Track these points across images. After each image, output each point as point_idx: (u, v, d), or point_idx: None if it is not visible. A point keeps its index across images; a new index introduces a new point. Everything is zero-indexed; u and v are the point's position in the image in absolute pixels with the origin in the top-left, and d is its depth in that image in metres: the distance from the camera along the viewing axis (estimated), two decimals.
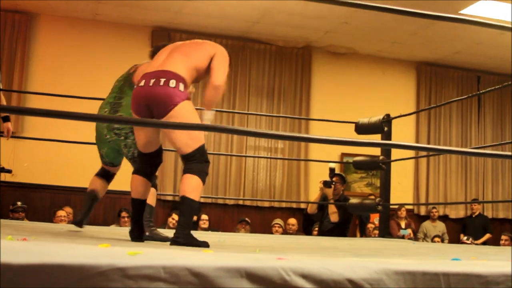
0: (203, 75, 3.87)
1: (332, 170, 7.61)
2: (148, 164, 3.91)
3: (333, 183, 7.56)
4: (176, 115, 3.55)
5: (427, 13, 3.01)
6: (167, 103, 3.58)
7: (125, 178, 4.18)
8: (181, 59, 3.74)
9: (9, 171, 7.52)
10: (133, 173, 3.94)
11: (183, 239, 3.49)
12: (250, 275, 1.69)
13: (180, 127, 3.58)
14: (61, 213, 8.40)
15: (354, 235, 9.86)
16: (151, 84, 3.61)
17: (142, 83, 3.67)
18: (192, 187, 3.60)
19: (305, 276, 1.74)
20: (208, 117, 3.83)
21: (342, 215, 7.54)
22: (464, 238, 9.89)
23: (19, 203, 8.28)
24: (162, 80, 3.60)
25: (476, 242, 9.95)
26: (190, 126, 3.38)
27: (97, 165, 4.65)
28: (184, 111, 3.59)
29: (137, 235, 3.85)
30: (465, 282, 1.91)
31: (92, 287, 1.54)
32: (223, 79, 3.82)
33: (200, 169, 3.65)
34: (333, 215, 7.53)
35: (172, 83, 3.59)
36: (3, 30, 9.65)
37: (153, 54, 4.16)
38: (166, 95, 3.57)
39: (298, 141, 10.56)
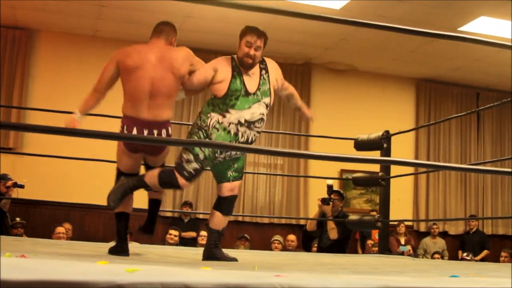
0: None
1: (330, 187, 7.59)
2: None
3: (331, 200, 7.55)
4: (167, 150, 4.24)
5: (426, 31, 3.02)
6: (162, 147, 4.19)
7: None
8: (168, 103, 4.07)
9: (21, 186, 7.55)
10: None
11: None
12: None
13: (183, 144, 3.58)
14: (60, 229, 8.37)
15: (355, 252, 9.84)
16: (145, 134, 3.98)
17: (134, 131, 3.96)
18: None
19: None
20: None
21: (342, 232, 7.53)
22: (464, 254, 9.86)
23: (18, 219, 8.25)
24: (155, 132, 3.99)
25: (475, 258, 9.92)
26: (193, 142, 3.39)
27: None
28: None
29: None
30: None
31: None
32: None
33: None
34: (332, 232, 7.52)
35: (165, 132, 4.04)
36: (3, 46, 9.67)
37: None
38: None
39: (297, 158, 10.55)
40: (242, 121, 4.02)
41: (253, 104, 4.09)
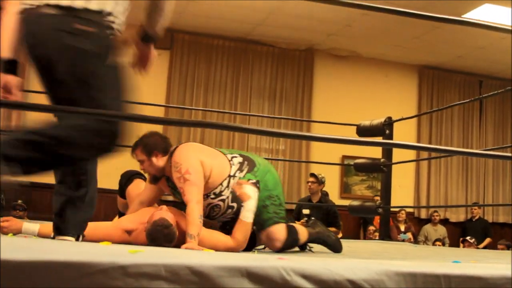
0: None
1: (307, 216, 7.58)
2: None
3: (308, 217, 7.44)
4: None
5: (430, 15, 3.01)
6: None
7: None
8: None
9: None
10: None
11: None
12: (251, 275, 1.68)
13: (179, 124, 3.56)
14: None
15: (357, 237, 9.88)
16: None
17: None
18: None
19: (305, 276, 1.73)
20: None
21: (324, 218, 7.60)
22: (467, 237, 9.81)
23: (19, 201, 8.26)
24: None
25: (478, 246, 9.92)
26: (192, 123, 3.38)
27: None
28: None
29: None
30: (466, 284, 1.91)
31: (93, 284, 1.54)
32: None
33: None
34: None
35: None
36: None
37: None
38: None
39: (299, 140, 10.55)
40: None
41: None
